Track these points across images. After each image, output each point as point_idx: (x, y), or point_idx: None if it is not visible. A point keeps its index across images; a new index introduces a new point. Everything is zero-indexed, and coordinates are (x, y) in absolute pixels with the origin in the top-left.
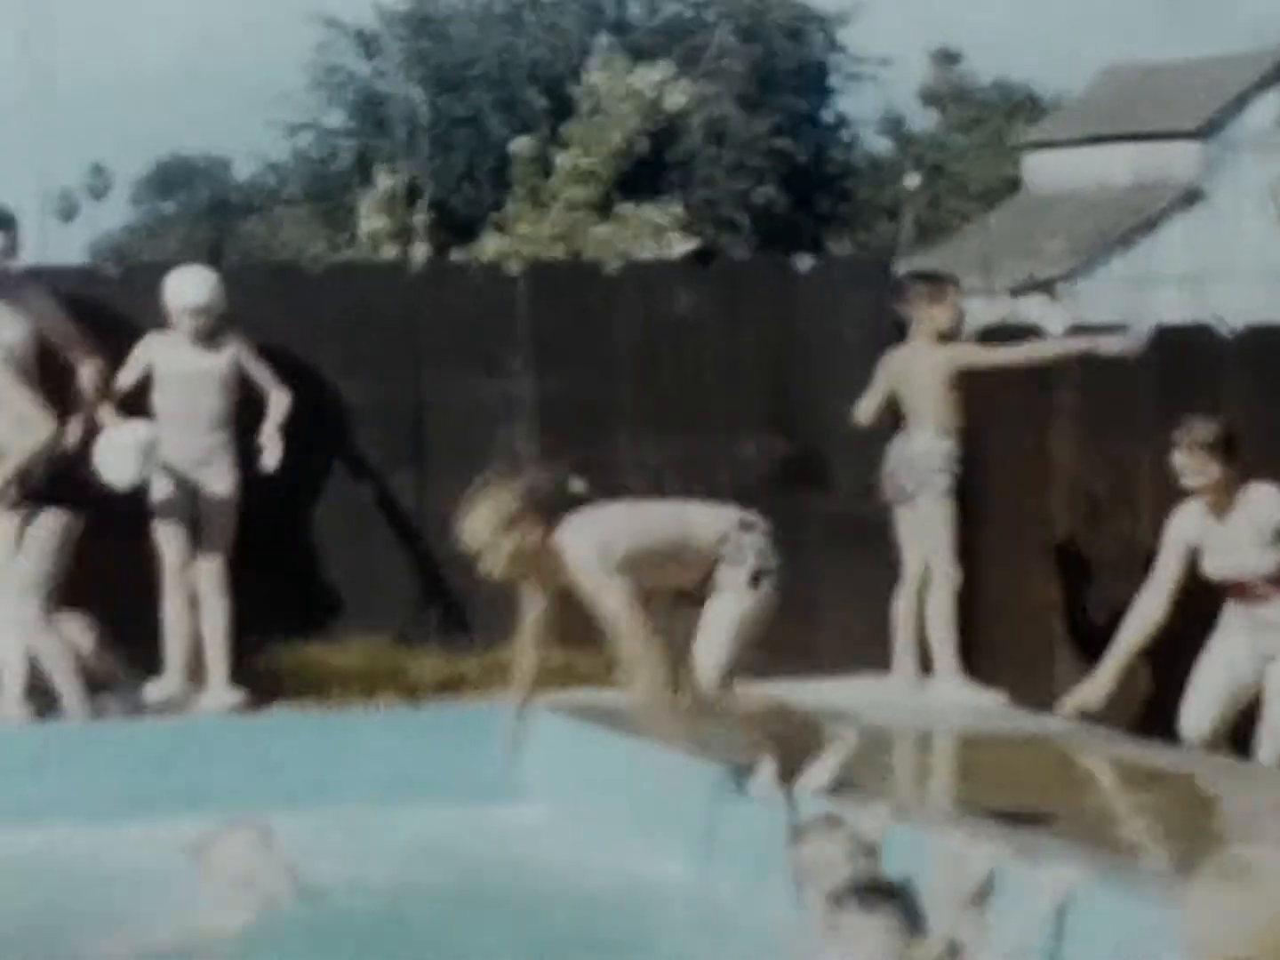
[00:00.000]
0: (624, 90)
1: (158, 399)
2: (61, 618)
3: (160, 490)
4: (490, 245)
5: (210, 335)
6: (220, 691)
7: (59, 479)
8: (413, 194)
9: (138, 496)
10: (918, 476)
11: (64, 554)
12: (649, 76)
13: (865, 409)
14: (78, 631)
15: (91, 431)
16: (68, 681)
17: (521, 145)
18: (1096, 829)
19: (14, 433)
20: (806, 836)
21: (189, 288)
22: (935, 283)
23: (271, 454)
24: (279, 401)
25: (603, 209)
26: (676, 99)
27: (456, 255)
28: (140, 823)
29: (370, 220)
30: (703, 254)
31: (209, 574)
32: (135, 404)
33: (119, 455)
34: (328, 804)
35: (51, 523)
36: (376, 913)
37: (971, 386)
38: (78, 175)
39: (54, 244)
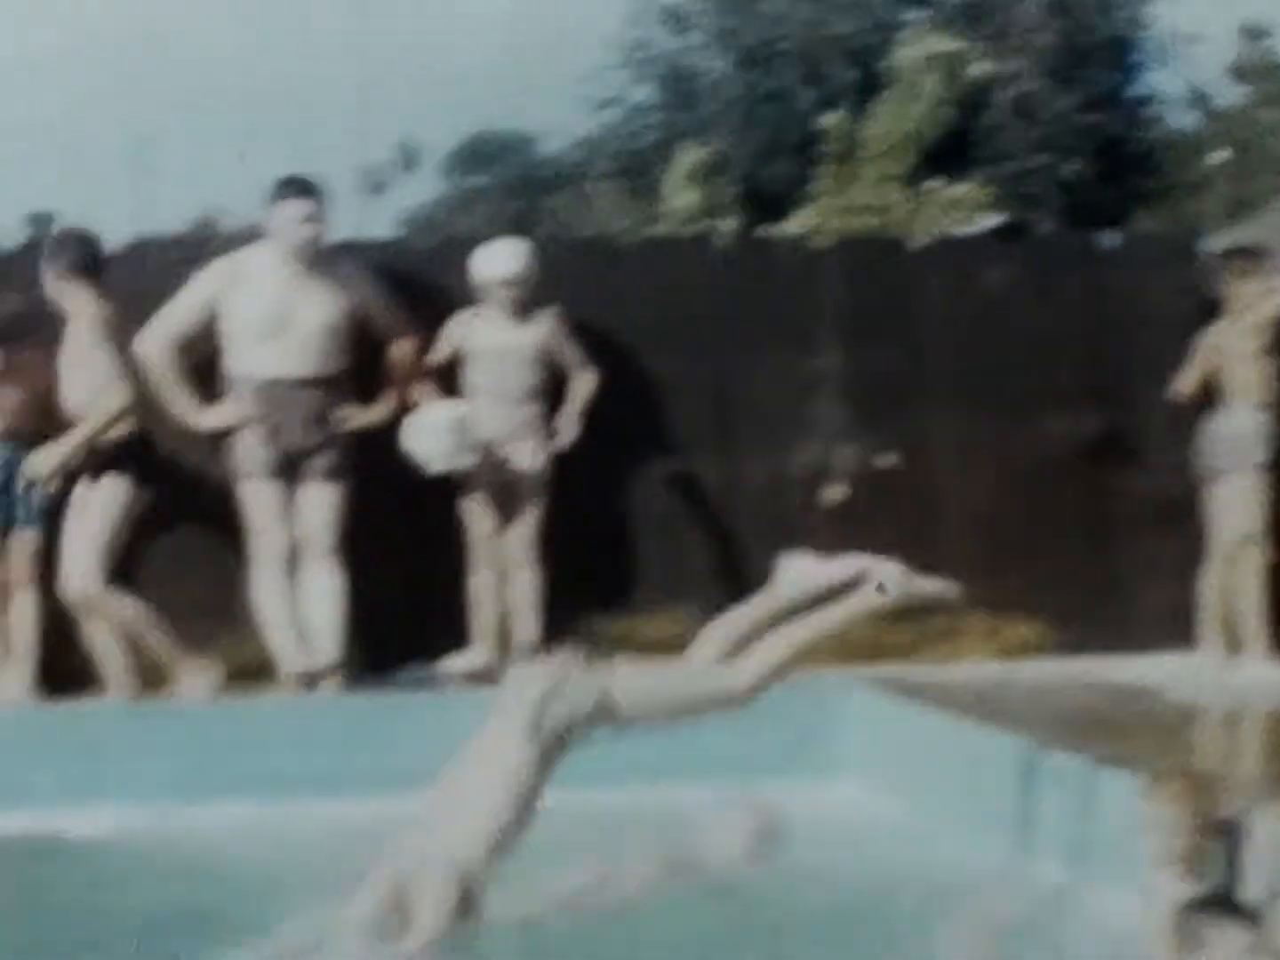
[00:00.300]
0: (928, 63)
1: (469, 374)
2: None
3: (471, 464)
4: (797, 220)
5: (522, 309)
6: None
7: (367, 455)
8: (720, 169)
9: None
10: (1234, 452)
11: (127, 525)
12: (952, 47)
13: (1185, 383)
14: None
15: (404, 408)
16: (112, 658)
17: (830, 120)
18: None
19: (93, 396)
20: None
21: (502, 260)
22: (1250, 257)
23: (566, 434)
24: (585, 381)
25: (910, 184)
26: (981, 69)
27: (763, 231)
28: None
29: (677, 195)
30: (1010, 229)
31: (519, 547)
32: (446, 379)
33: (431, 436)
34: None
35: (115, 492)
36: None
37: None
38: (389, 151)
39: (366, 218)
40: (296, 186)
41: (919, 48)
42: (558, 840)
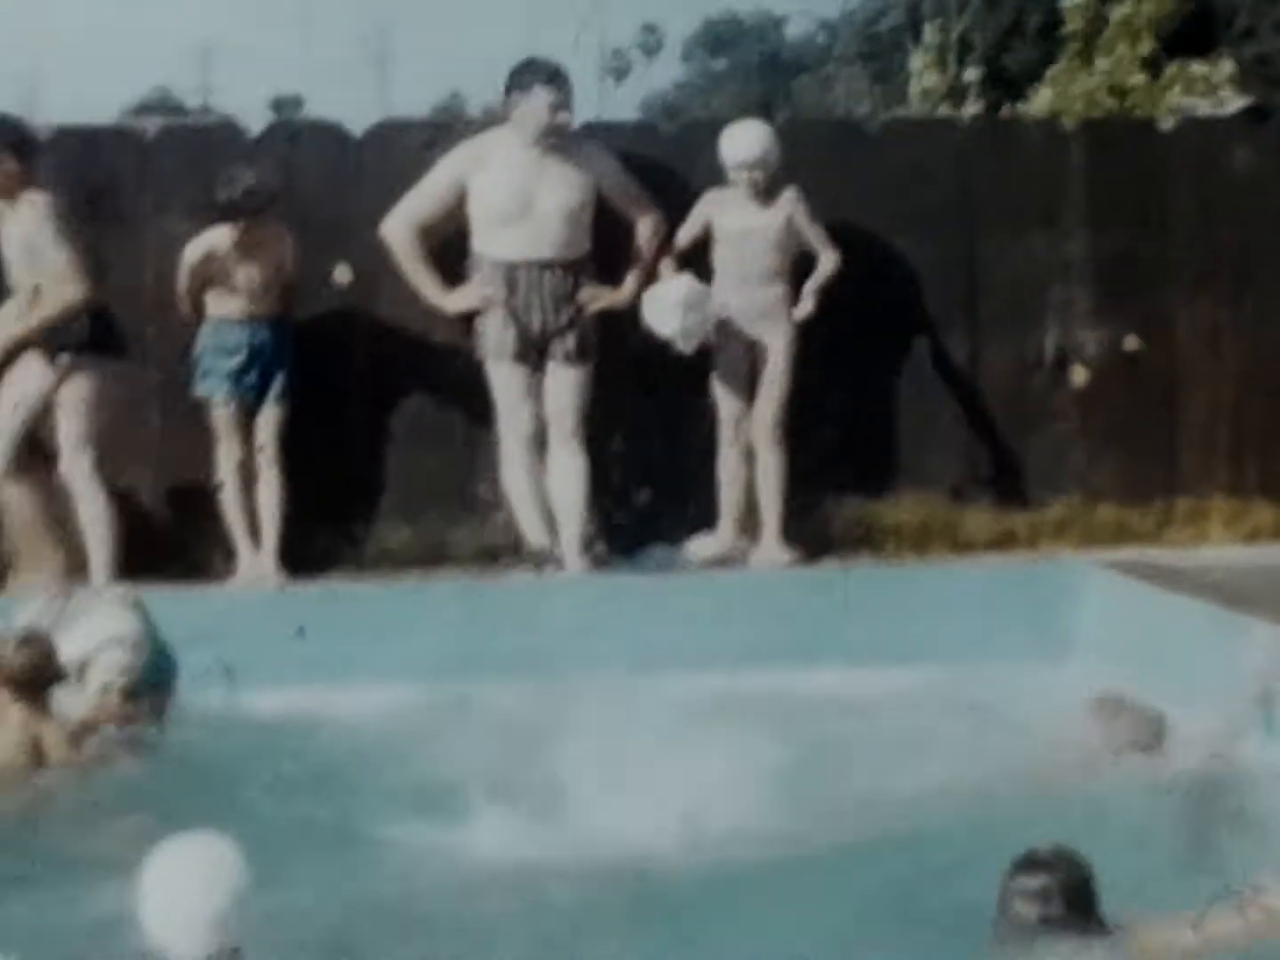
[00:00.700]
0: None
1: (716, 254)
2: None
3: (717, 345)
4: (1041, 101)
5: (767, 191)
6: (773, 548)
7: (611, 336)
8: (964, 50)
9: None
10: None
11: (104, 411)
12: None
13: None
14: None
15: (649, 285)
16: (100, 547)
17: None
18: None
19: (47, 285)
20: None
21: (746, 142)
22: None
23: (804, 309)
24: (828, 260)
25: (1154, 65)
26: None
27: (1007, 112)
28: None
29: (922, 78)
30: (1257, 111)
31: (764, 427)
32: (695, 260)
33: (663, 310)
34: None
35: (86, 381)
36: None
37: None
38: (630, 34)
39: (608, 102)
40: (544, 73)
41: None
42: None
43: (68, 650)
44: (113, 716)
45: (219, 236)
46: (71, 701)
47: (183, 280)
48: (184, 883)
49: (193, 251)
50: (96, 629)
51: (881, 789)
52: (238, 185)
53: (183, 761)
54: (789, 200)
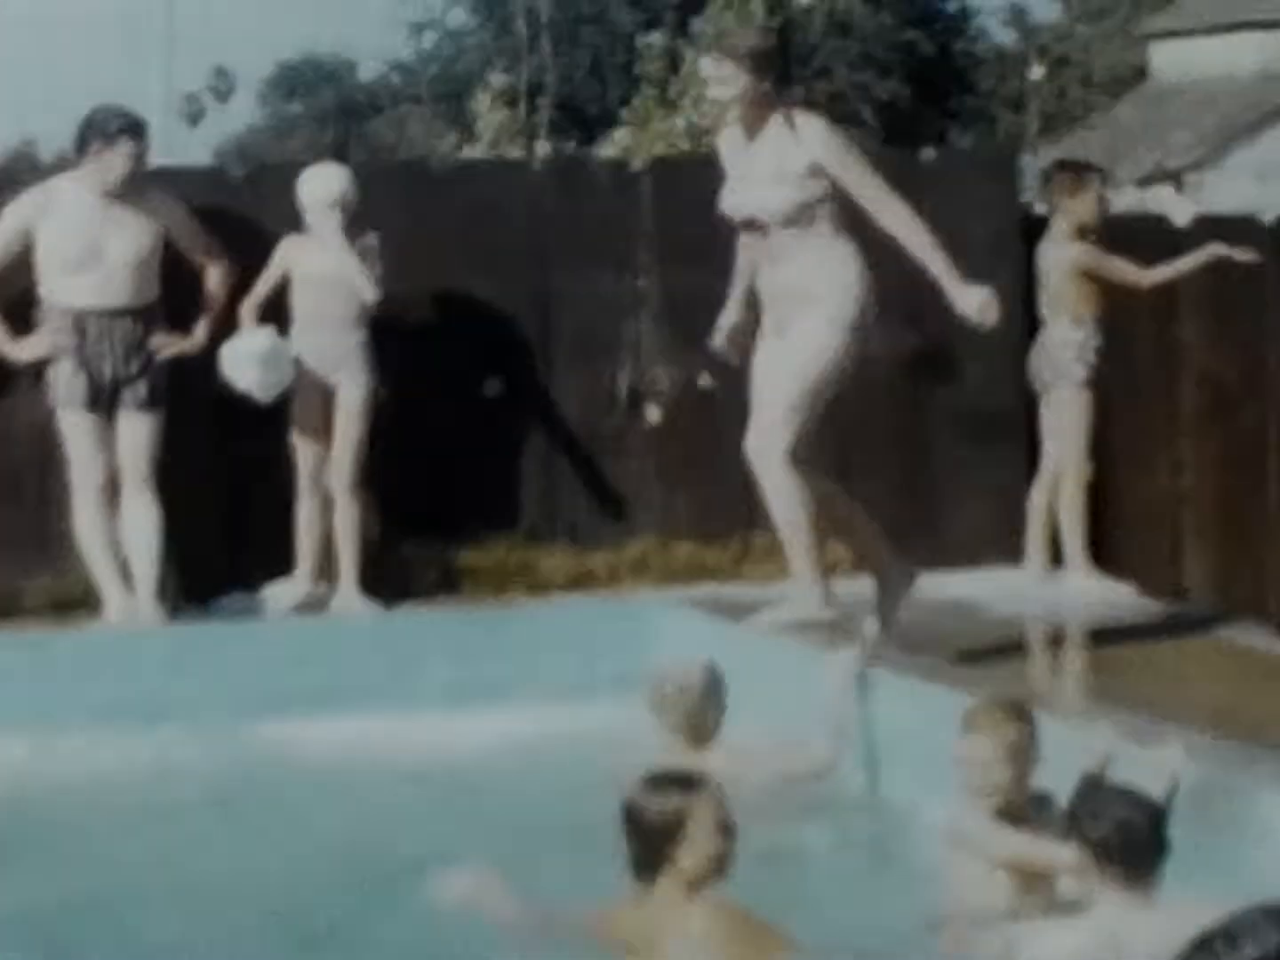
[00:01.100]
0: None
1: (295, 300)
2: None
3: (296, 391)
4: (618, 142)
5: (346, 233)
6: (350, 595)
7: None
8: (534, 92)
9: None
10: (1055, 367)
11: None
12: None
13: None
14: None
15: (220, 335)
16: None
17: (650, 41)
18: (1217, 716)
19: None
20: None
21: (325, 181)
22: (1078, 172)
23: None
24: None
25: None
26: None
27: (580, 153)
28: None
29: (488, 118)
30: None
31: (340, 475)
32: (274, 308)
33: (241, 363)
34: None
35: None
36: None
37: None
38: (202, 78)
39: (180, 147)
40: (126, 122)
41: None
42: None
43: None
44: None
45: None
46: None
47: None
48: None
49: None
50: None
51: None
52: None
53: None
54: (365, 243)
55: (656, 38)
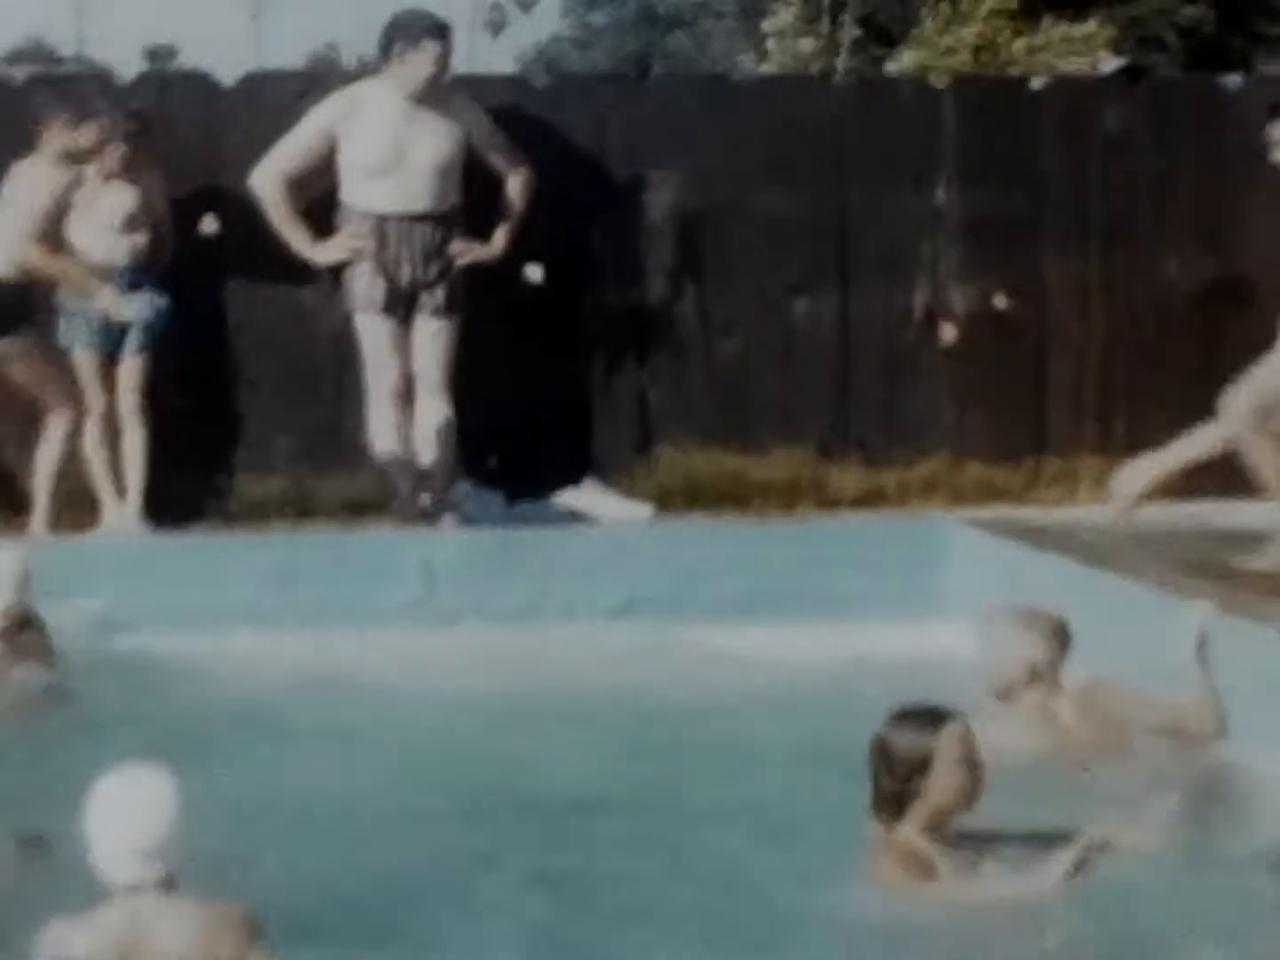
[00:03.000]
0: None
1: None
2: None
3: None
4: (908, 58)
5: None
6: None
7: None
8: (837, 8)
9: None
10: None
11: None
12: None
13: None
14: None
15: (518, 242)
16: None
17: None
18: None
19: None
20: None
21: None
22: None
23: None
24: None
25: (1026, 22)
26: None
27: (874, 68)
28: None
29: (783, 36)
30: (1131, 71)
31: None
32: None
33: None
34: None
35: None
36: None
37: None
38: None
39: (483, 55)
40: (430, 26)
41: None
42: None
43: None
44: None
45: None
46: None
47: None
48: (123, 812)
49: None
50: None
51: None
52: (116, 111)
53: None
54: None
55: None
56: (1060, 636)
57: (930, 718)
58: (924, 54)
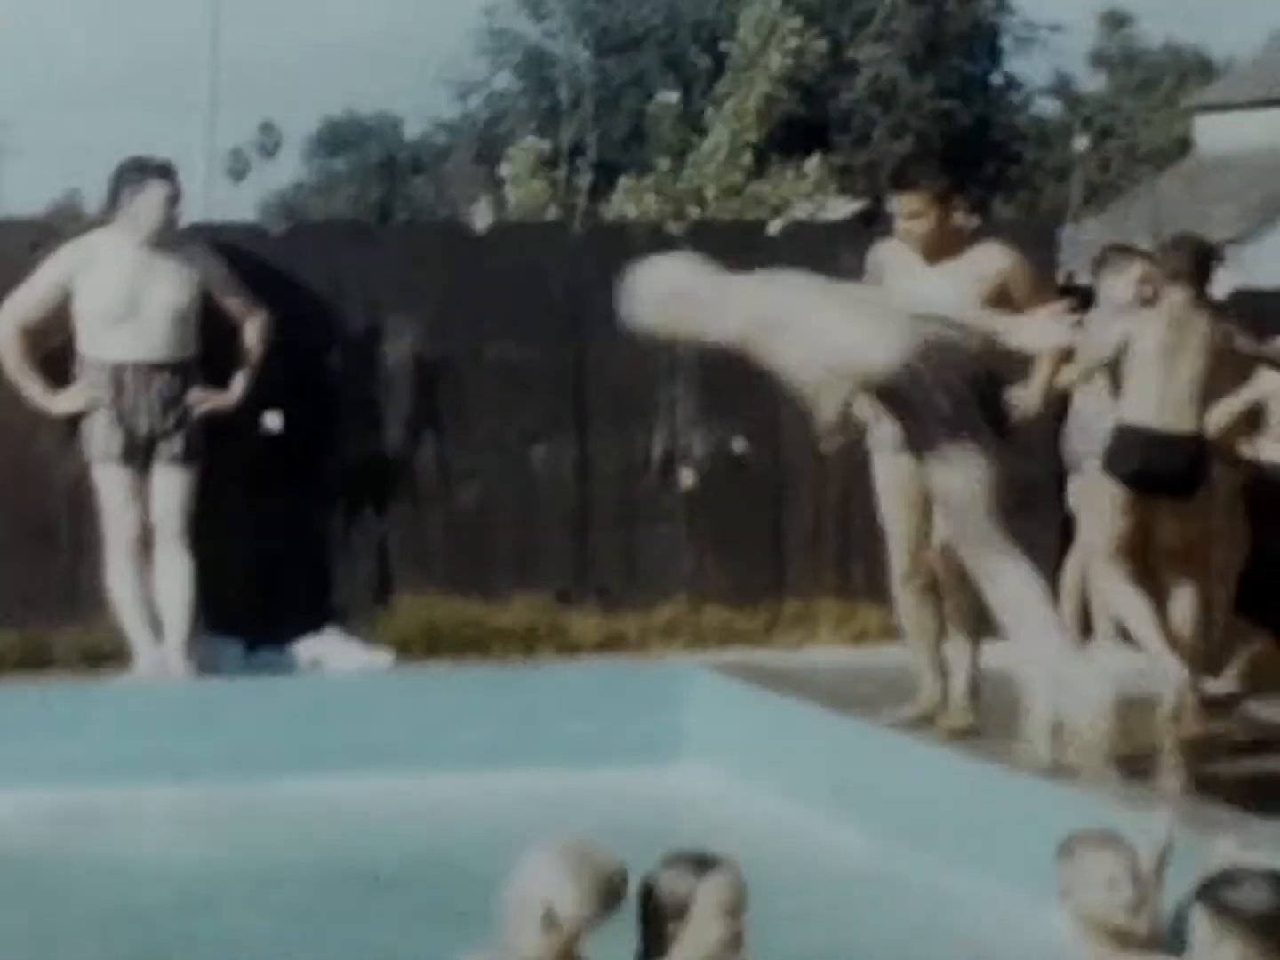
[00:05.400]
0: (765, 42)
1: None
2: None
3: None
4: (631, 201)
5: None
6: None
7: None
8: (573, 154)
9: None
10: (1088, 442)
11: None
12: (790, 25)
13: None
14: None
15: (255, 391)
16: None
17: (661, 103)
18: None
19: None
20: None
21: None
22: (1119, 253)
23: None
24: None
25: (758, 166)
26: (816, 47)
27: (609, 210)
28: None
29: (521, 184)
30: (868, 215)
31: None
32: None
33: None
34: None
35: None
36: None
37: None
38: (248, 134)
39: (225, 202)
40: (155, 168)
41: (757, 28)
42: None
43: None
44: None
45: None
46: None
47: None
48: None
49: None
50: None
51: None
52: None
53: None
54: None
55: (667, 100)
56: None
57: (696, 864)
58: (656, 199)
